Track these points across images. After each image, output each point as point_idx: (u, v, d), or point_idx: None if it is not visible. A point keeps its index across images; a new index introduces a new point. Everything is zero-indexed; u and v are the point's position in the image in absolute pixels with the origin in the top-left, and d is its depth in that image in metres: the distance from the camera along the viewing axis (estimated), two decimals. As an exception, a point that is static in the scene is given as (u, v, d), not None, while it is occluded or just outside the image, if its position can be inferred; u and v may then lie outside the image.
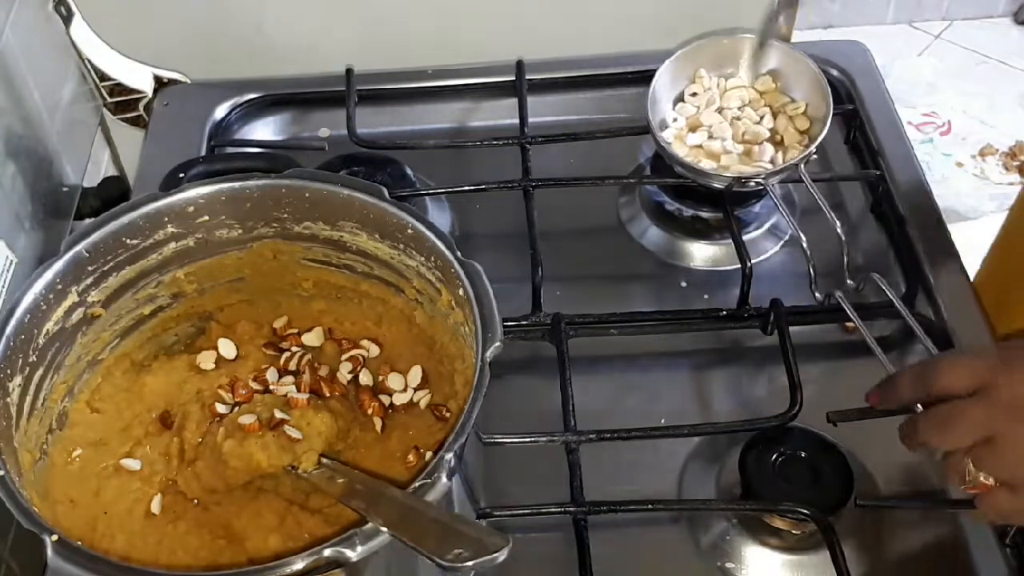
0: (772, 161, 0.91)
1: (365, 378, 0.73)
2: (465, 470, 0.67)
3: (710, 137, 0.93)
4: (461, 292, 0.67)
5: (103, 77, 1.11)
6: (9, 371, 0.64)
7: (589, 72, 1.10)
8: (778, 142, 0.93)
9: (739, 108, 0.95)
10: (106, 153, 1.16)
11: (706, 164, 0.91)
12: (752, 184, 0.89)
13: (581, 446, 0.77)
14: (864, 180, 1.00)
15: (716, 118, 0.94)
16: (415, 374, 0.72)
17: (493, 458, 0.78)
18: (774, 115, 0.94)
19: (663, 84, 0.96)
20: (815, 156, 0.91)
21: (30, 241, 0.91)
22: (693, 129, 0.94)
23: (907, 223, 0.93)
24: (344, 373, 0.73)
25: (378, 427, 0.70)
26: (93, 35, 1.09)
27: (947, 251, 0.92)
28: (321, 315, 0.77)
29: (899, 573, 0.74)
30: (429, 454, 0.67)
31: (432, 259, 0.70)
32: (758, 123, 0.93)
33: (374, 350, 0.75)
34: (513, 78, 1.06)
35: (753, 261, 0.87)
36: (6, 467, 0.59)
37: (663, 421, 0.82)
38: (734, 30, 0.97)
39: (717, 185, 0.90)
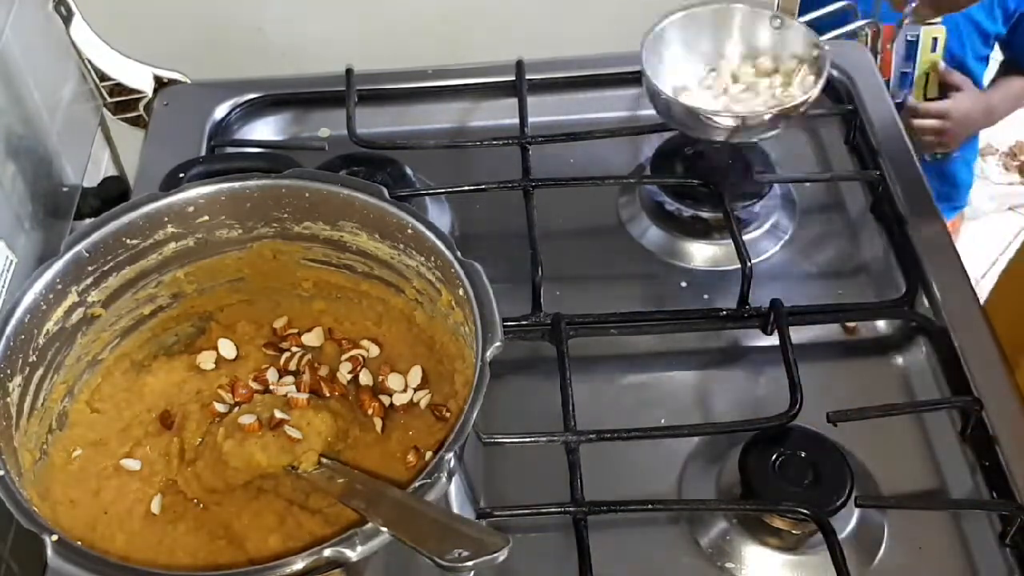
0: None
1: (365, 378, 0.73)
2: (465, 470, 0.67)
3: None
4: (461, 292, 0.67)
5: (103, 77, 1.11)
6: (9, 371, 0.64)
7: (589, 72, 1.10)
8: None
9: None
10: (106, 153, 1.16)
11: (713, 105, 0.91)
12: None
13: (581, 446, 0.77)
14: (864, 180, 1.00)
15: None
16: (415, 374, 0.72)
17: (493, 458, 0.78)
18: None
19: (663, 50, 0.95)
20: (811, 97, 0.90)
21: (30, 241, 0.91)
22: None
23: (907, 223, 0.93)
24: (344, 373, 0.73)
25: (378, 427, 0.70)
26: (93, 35, 1.09)
27: (947, 251, 0.92)
28: (321, 315, 0.77)
29: (899, 573, 0.74)
30: (429, 454, 0.67)
31: (432, 259, 0.70)
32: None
33: (374, 350, 0.75)
34: (513, 78, 1.06)
35: (753, 261, 0.87)
36: (6, 467, 0.59)
37: (663, 421, 0.82)
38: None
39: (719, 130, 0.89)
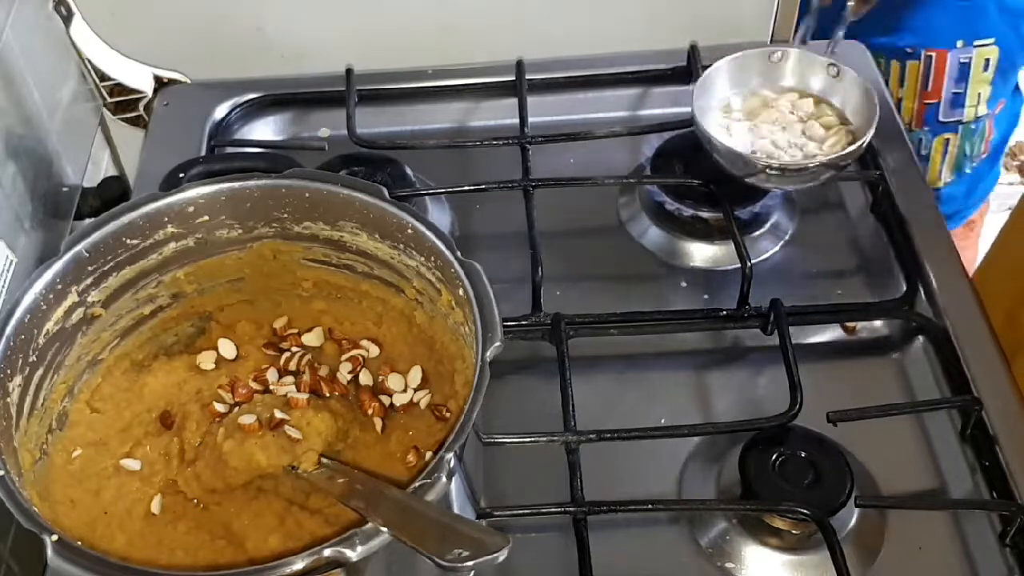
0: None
1: (365, 378, 0.73)
2: (465, 470, 0.67)
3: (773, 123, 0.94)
4: (461, 292, 0.67)
5: (103, 77, 1.11)
6: (9, 371, 0.64)
7: (589, 72, 1.10)
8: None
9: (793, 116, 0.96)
10: (106, 153, 1.16)
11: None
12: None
13: (581, 446, 0.77)
14: (864, 180, 1.00)
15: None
16: (415, 374, 0.72)
17: (493, 458, 0.78)
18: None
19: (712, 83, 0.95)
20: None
21: (30, 241, 0.91)
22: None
23: (907, 223, 0.93)
24: (344, 373, 0.73)
25: (378, 427, 0.70)
26: (93, 35, 1.09)
27: (947, 251, 0.92)
28: (321, 315, 0.77)
29: (899, 573, 0.74)
30: (429, 454, 0.67)
31: (432, 259, 0.70)
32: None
33: (374, 350, 0.75)
34: (513, 78, 1.06)
35: (753, 261, 0.87)
36: (6, 467, 0.59)
37: (663, 421, 0.82)
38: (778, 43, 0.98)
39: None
